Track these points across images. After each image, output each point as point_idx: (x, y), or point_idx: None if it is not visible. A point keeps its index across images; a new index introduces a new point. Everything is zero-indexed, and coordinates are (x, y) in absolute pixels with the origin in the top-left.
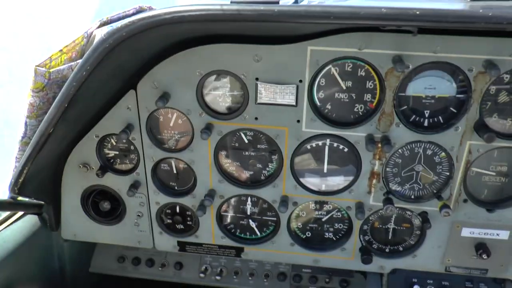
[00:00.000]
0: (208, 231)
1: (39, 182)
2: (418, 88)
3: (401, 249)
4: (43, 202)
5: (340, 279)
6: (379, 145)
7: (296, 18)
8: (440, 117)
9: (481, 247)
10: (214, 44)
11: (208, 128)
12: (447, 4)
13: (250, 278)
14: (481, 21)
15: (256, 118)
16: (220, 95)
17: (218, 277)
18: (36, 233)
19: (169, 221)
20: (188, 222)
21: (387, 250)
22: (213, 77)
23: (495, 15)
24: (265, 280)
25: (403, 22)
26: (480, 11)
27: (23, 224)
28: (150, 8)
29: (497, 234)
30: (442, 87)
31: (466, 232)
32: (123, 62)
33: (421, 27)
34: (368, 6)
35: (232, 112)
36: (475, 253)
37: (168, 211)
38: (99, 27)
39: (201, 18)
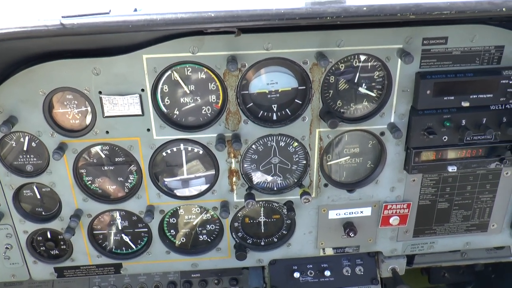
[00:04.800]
0: (83, 252)
1: None
2: (261, 84)
3: (275, 240)
4: None
5: (229, 278)
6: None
7: (90, 30)
8: (287, 110)
9: (348, 226)
10: (52, 61)
11: (60, 148)
12: (269, 1)
13: None
14: (275, 18)
15: (107, 132)
16: (69, 112)
17: None
18: None
19: (42, 248)
20: (62, 246)
21: (262, 243)
22: (60, 94)
23: (287, 12)
24: None
25: (198, 25)
26: (274, 9)
27: None
28: None
29: (361, 212)
30: (284, 81)
31: (332, 214)
32: None
33: (220, 28)
34: (167, 13)
35: (83, 128)
36: (344, 233)
37: (40, 238)
38: None
39: None
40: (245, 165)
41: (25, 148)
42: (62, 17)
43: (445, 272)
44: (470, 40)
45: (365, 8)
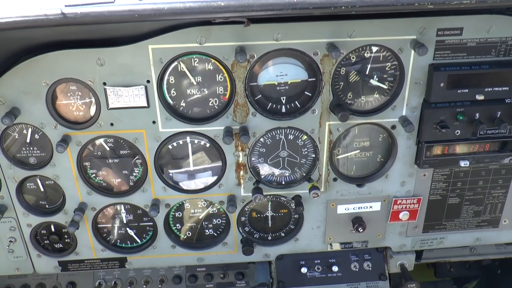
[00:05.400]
0: (87, 246)
1: None
2: (270, 76)
3: (283, 234)
4: None
5: (235, 272)
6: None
7: (94, 19)
8: (296, 102)
9: (357, 221)
10: (55, 52)
11: (64, 140)
12: None
13: (145, 286)
14: (287, 8)
15: (111, 124)
16: (73, 104)
17: None
18: None
19: (46, 241)
20: (66, 240)
21: (269, 238)
22: (63, 85)
23: (300, 1)
24: (160, 285)
25: (207, 15)
26: None
27: None
28: None
29: (370, 207)
30: (293, 72)
31: (341, 209)
32: None
33: (229, 18)
34: (174, 1)
35: (87, 120)
36: (353, 228)
37: (44, 231)
38: None
39: None
40: (252, 159)
41: (28, 140)
42: (65, 5)
43: (452, 266)
44: (486, 31)
45: None
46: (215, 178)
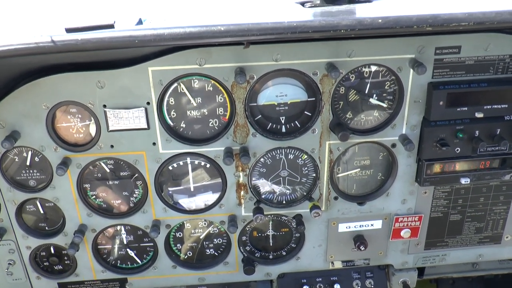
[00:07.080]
0: (87, 267)
1: None
2: (269, 96)
3: (284, 253)
4: None
5: None
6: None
7: (95, 46)
8: (296, 122)
9: (359, 239)
10: (55, 75)
11: (64, 163)
12: (278, 13)
13: None
14: (287, 31)
15: (112, 146)
16: (73, 126)
17: None
18: None
19: (46, 263)
20: (66, 262)
21: (270, 256)
22: (63, 108)
23: (300, 25)
24: None
25: (206, 40)
26: (286, 22)
27: None
28: None
29: (371, 225)
30: (293, 92)
31: (342, 227)
32: None
33: (231, 42)
34: (175, 27)
35: (87, 143)
36: (354, 246)
37: (43, 253)
38: None
39: None
40: (253, 179)
41: (28, 163)
42: (66, 30)
43: (454, 281)
44: (484, 49)
45: (380, 21)
46: (215, 196)
